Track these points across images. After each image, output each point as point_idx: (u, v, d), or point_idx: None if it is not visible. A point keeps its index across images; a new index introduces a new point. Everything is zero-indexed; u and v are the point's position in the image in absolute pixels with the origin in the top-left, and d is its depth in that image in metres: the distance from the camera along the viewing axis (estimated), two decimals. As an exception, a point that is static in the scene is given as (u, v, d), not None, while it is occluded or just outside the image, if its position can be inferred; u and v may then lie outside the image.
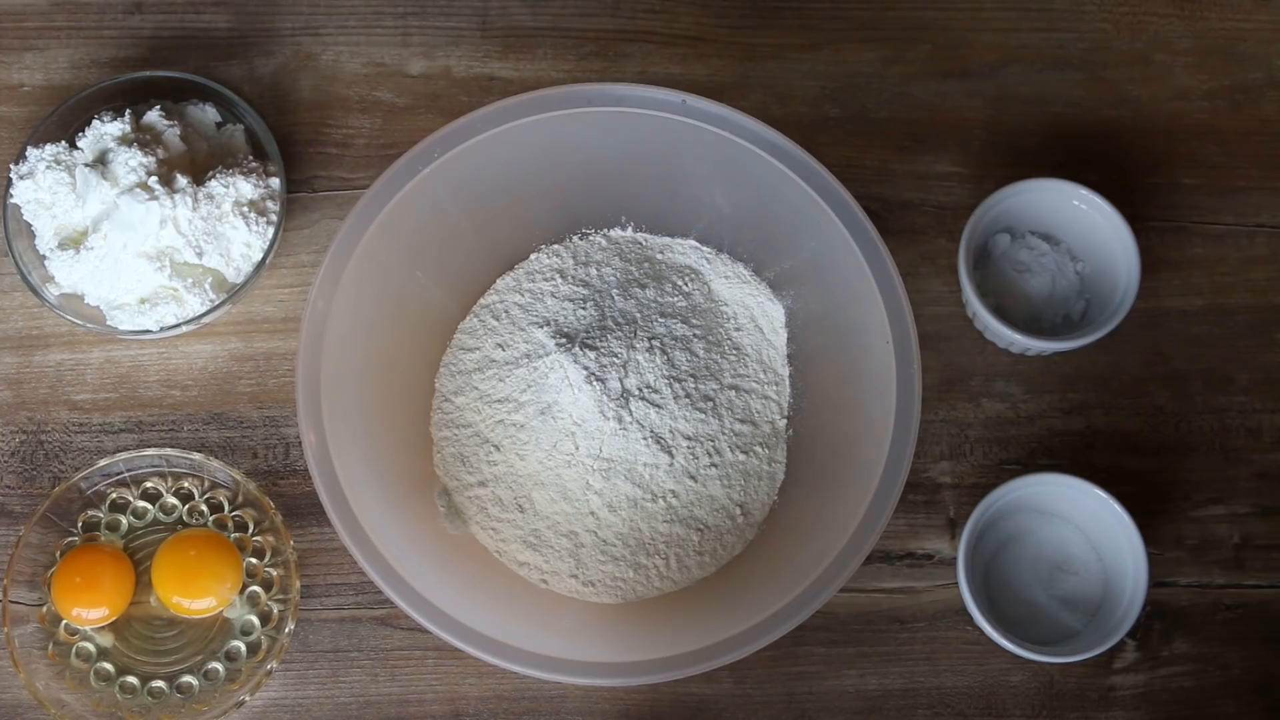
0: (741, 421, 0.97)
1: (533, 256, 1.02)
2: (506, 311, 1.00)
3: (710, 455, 0.96)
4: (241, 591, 0.99)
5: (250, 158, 1.04)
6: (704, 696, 0.99)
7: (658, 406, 0.95)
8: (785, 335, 1.00)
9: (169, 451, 1.00)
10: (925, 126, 1.09)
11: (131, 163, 0.99)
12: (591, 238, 1.03)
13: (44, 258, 1.02)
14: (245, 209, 1.01)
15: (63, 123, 1.03)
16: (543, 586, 0.96)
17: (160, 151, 1.01)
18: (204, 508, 1.01)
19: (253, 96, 1.08)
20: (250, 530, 1.01)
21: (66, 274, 1.01)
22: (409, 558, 0.89)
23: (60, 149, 1.01)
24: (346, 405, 0.92)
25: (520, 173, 0.97)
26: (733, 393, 0.97)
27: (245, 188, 1.01)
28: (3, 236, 1.02)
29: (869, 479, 0.89)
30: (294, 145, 1.08)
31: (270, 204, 1.02)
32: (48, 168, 1.00)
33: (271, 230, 1.02)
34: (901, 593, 1.01)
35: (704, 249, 1.02)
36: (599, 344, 0.96)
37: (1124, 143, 1.09)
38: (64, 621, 0.98)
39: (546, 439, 0.95)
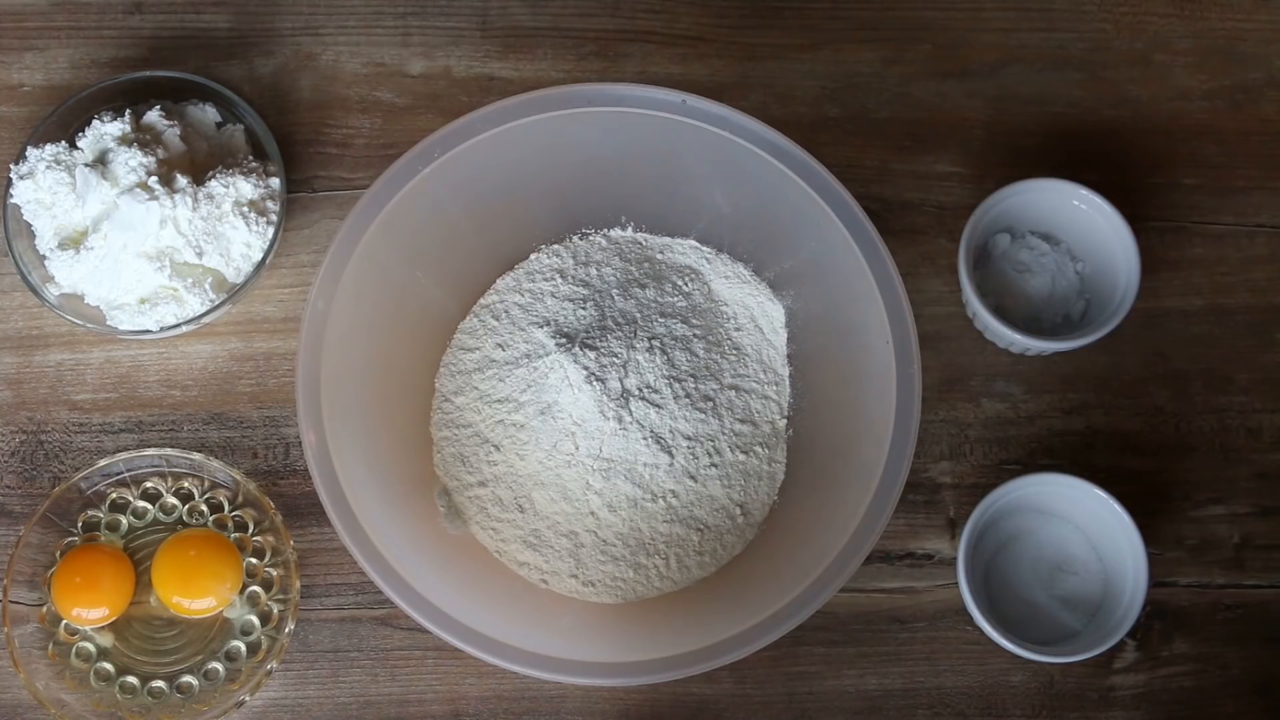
0: (741, 421, 0.97)
1: (533, 256, 1.02)
2: (506, 311, 1.00)
3: (710, 455, 0.96)
4: (241, 591, 0.99)
5: (250, 158, 1.04)
6: (704, 696, 0.99)
7: (658, 406, 0.95)
8: (785, 335, 1.00)
9: (169, 451, 1.00)
10: (925, 126, 1.09)
11: (131, 163, 0.99)
12: (591, 238, 1.03)
13: (44, 258, 1.02)
14: (245, 209, 1.01)
15: (63, 123, 1.03)
16: (543, 586, 0.96)
17: (160, 151, 1.01)
18: (204, 508, 1.01)
19: (253, 96, 1.08)
20: (250, 530, 1.01)
21: (66, 274, 1.01)
22: (409, 558, 0.89)
23: (60, 149, 1.01)
24: (346, 405, 0.92)
25: (520, 173, 0.97)
26: (733, 393, 0.97)
27: (245, 188, 1.01)
28: (3, 236, 1.02)
29: (869, 479, 0.89)
30: (294, 145, 1.08)
31: (270, 204, 1.02)
32: (48, 168, 1.00)
33: (271, 230, 1.02)
34: (901, 593, 1.01)
35: (704, 249, 1.02)
36: (599, 344, 0.96)
37: (1124, 143, 1.09)
38: (64, 621, 0.98)
39: (546, 439, 0.95)
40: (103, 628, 0.98)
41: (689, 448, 0.95)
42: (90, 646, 0.99)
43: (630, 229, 1.03)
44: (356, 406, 0.93)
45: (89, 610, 0.97)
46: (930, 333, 1.04)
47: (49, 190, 1.00)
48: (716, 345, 0.98)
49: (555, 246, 1.02)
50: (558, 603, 0.96)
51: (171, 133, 1.03)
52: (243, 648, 0.99)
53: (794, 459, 0.99)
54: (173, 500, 1.01)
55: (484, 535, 0.97)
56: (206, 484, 1.01)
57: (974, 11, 1.11)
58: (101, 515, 1.01)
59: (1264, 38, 1.11)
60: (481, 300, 1.02)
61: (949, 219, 1.07)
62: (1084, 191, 1.02)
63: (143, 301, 1.01)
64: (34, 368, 1.04)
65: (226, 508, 1.01)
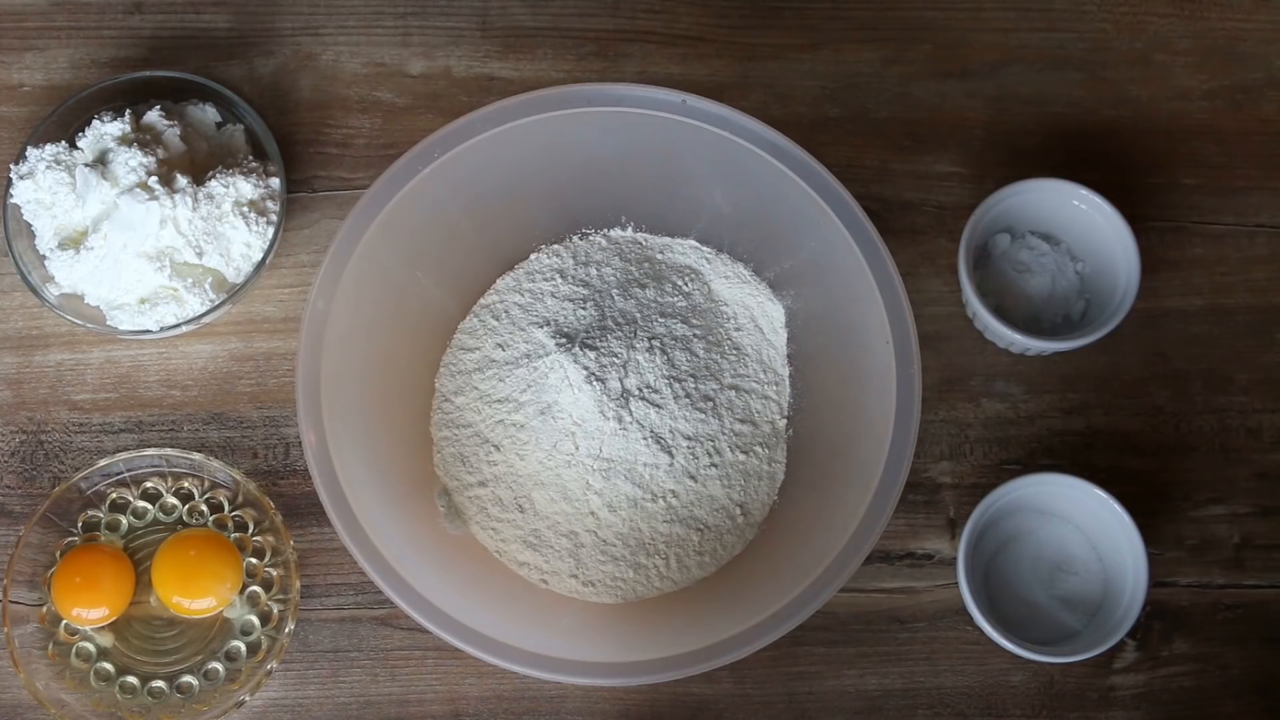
0: (741, 421, 0.97)
1: (533, 256, 1.02)
2: (506, 311, 1.00)
3: (710, 455, 0.96)
4: (241, 591, 0.99)
5: (250, 158, 1.04)
6: (704, 696, 0.99)
7: (658, 406, 0.95)
8: (785, 335, 1.00)
9: (169, 451, 1.00)
10: (925, 126, 1.09)
11: (131, 163, 0.99)
12: (591, 238, 1.03)
13: (44, 258, 1.02)
14: (245, 209, 1.01)
15: (63, 123, 1.03)
16: (543, 586, 0.96)
17: (160, 151, 1.01)
18: (204, 508, 1.01)
19: (253, 96, 1.08)
20: (250, 530, 1.01)
21: (66, 274, 1.01)
22: (409, 558, 0.89)
23: (60, 149, 1.01)
24: (346, 405, 0.92)
25: (520, 173, 0.97)
26: (733, 393, 0.97)
27: (245, 188, 1.01)
28: (3, 236, 1.02)
29: (869, 479, 0.89)
30: (294, 145, 1.08)
31: (270, 204, 1.02)
32: (48, 168, 1.00)
33: (271, 230, 1.02)
34: (901, 593, 1.01)
35: (704, 249, 1.02)
36: (599, 344, 0.96)
37: (1124, 143, 1.09)
38: (64, 621, 0.98)
39: (546, 439, 0.95)
40: (103, 628, 0.98)
41: (689, 448, 0.95)
42: (90, 646, 0.99)
43: (630, 229, 1.03)
44: (356, 406, 0.93)
45: (89, 610, 0.97)
46: (930, 333, 1.04)
47: (49, 190, 1.00)
48: (716, 345, 0.98)
49: (555, 246, 1.02)
50: (558, 603, 0.96)
51: (171, 133, 1.03)
52: (243, 648, 0.99)
53: (794, 459, 0.99)
54: (173, 500, 1.01)
55: (484, 535, 0.97)
56: (206, 484, 1.01)
57: (974, 11, 1.11)
58: (101, 515, 1.01)
59: (1264, 38, 1.11)
60: (481, 300, 1.02)
61: (949, 219, 1.07)
62: (1084, 191, 1.02)
63: (143, 301, 1.01)
64: (34, 368, 1.04)
65: (226, 508, 1.01)
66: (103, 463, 0.99)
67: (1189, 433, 1.04)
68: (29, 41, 1.10)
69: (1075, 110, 1.09)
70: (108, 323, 1.01)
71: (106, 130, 1.02)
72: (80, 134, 1.03)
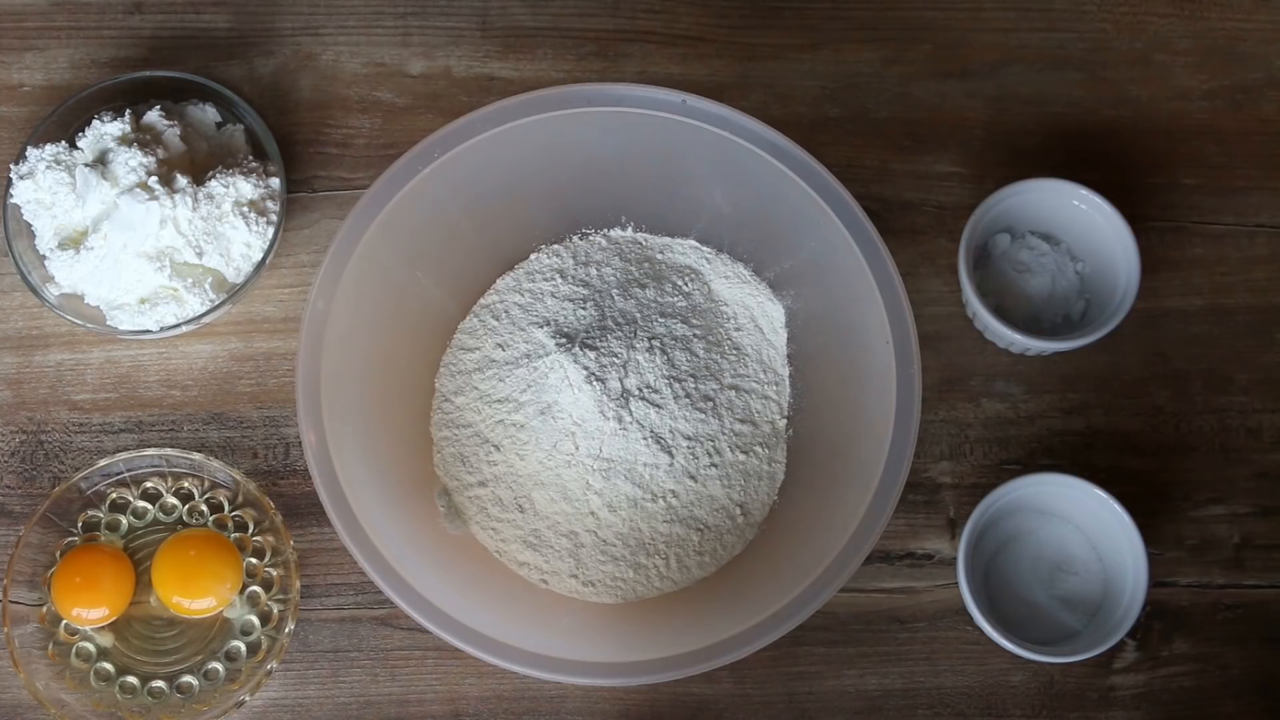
0: (741, 421, 0.97)
1: (533, 256, 1.02)
2: (506, 311, 1.00)
3: (710, 455, 0.96)
4: (241, 591, 0.99)
5: (250, 158, 1.04)
6: (704, 696, 0.99)
7: (658, 406, 0.95)
8: (785, 335, 1.00)
9: (169, 451, 1.00)
10: (925, 126, 1.09)
11: (131, 163, 0.99)
12: (591, 238, 1.03)
13: (44, 258, 1.02)
14: (245, 209, 1.01)
15: (63, 123, 1.03)
16: (543, 586, 0.96)
17: (160, 151, 1.01)
18: (204, 508, 1.01)
19: (253, 96, 1.08)
20: (250, 530, 1.01)
21: (66, 274, 1.01)
22: (409, 558, 0.89)
23: (60, 149, 1.01)
24: (346, 405, 0.92)
25: (520, 173, 0.97)
26: (733, 393, 0.97)
27: (245, 188, 1.01)
28: (3, 236, 1.02)
29: (869, 479, 0.89)
30: (294, 145, 1.08)
31: (270, 204, 1.02)
32: (48, 168, 1.00)
33: (271, 230, 1.02)
34: (901, 593, 1.01)
35: (704, 249, 1.02)
36: (599, 344, 0.96)
37: (1124, 143, 1.09)
38: (64, 621, 0.98)
39: (546, 439, 0.95)
40: (103, 628, 0.98)
41: (689, 448, 0.95)
42: (90, 646, 0.99)
43: (630, 229, 1.03)
44: (356, 406, 0.93)
45: (89, 610, 0.97)
46: (930, 333, 1.04)
47: (49, 190, 1.00)
48: (716, 345, 0.98)
49: (555, 246, 1.02)
50: (558, 603, 0.96)
51: (171, 133, 1.03)
52: (243, 648, 0.99)
53: (794, 459, 0.99)
54: (173, 500, 1.01)
55: (484, 535, 0.97)
56: (206, 484, 1.01)
57: (974, 11, 1.11)
58: (101, 515, 1.01)
59: (1264, 38, 1.11)
60: (481, 300, 1.02)
61: (949, 219, 1.07)
62: (1084, 191, 1.02)
63: (143, 301, 1.01)
64: (34, 368, 1.04)
65: (226, 508, 1.01)
66: (103, 463, 0.99)
67: (1189, 433, 1.04)
68: (29, 41, 1.10)
69: (1075, 110, 1.09)
70: (108, 323, 1.01)
71: (106, 130, 1.02)
72: (80, 134, 1.03)
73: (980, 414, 1.04)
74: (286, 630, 0.97)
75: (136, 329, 1.01)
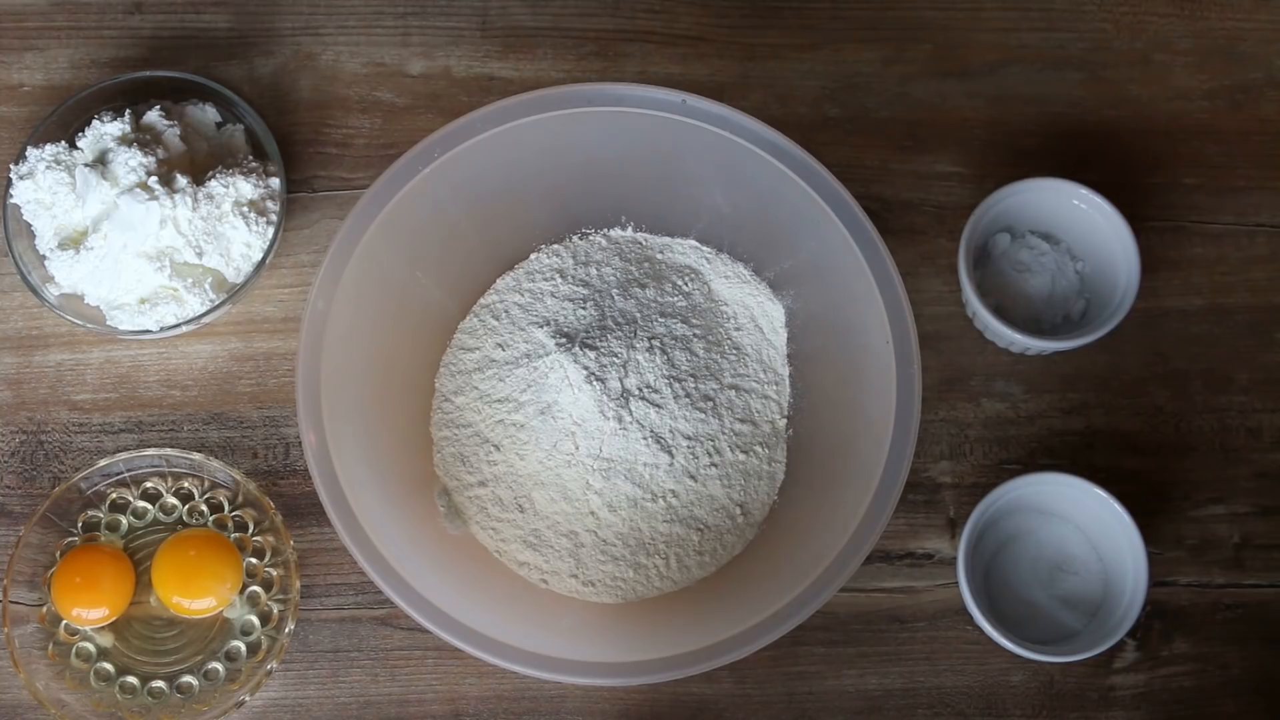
0: (741, 421, 0.97)
1: (533, 256, 1.02)
2: (506, 311, 1.00)
3: (710, 455, 0.96)
4: (241, 591, 0.99)
5: (250, 158, 1.04)
6: (704, 696, 0.99)
7: (658, 406, 0.95)
8: (785, 335, 1.00)
9: (169, 451, 1.00)
10: (925, 126, 1.09)
11: (131, 163, 0.99)
12: (591, 238, 1.03)
13: (44, 258, 1.02)
14: (245, 209, 1.01)
15: (63, 123, 1.03)
16: (543, 586, 0.96)
17: (160, 151, 1.01)
18: (204, 508, 1.01)
19: (253, 96, 1.08)
20: (250, 530, 1.01)
21: (66, 274, 1.01)
22: (409, 558, 0.89)
23: (60, 149, 1.01)
24: (346, 405, 0.92)
25: (520, 173, 0.97)
26: (733, 392, 0.97)
27: (245, 188, 1.01)
28: (3, 236, 1.02)
29: (869, 479, 0.89)
30: (294, 145, 1.08)
31: (270, 204, 1.02)
32: (48, 168, 1.00)
33: (271, 230, 1.02)
34: (901, 593, 1.01)
35: (704, 249, 1.02)
36: (599, 344, 0.96)
37: (1124, 143, 1.09)
38: (64, 621, 0.98)
39: (546, 439, 0.95)
40: (103, 628, 0.98)
41: (689, 447, 0.95)
42: (90, 646, 0.99)
43: (630, 229, 1.03)
44: (356, 406, 0.93)
45: (89, 610, 0.97)
46: (930, 333, 1.04)
47: (49, 190, 1.00)
48: (716, 345, 0.98)
49: (555, 246, 1.02)
50: (558, 603, 0.96)
51: (171, 133, 1.03)
52: (243, 648, 0.99)
53: (794, 459, 0.99)
54: (173, 500, 1.01)
55: (484, 535, 0.97)
56: (206, 484, 1.01)
57: (974, 11, 1.11)
58: (101, 515, 1.01)
59: (1264, 38, 1.11)
60: (481, 300, 1.02)
61: (949, 219, 1.07)
62: (1084, 191, 1.02)
63: (143, 301, 1.01)
64: (34, 368, 1.04)
65: (226, 508, 1.01)
66: (103, 463, 0.99)
67: (1189, 433, 1.04)
68: (29, 41, 1.10)
69: (1075, 110, 1.09)
70: (108, 323, 1.01)
71: (106, 130, 1.02)
72: (80, 134, 1.03)
73: (980, 414, 1.04)
74: (286, 630, 0.97)
75: (136, 329, 1.01)
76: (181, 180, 1.00)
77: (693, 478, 0.95)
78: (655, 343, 0.96)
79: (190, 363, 1.04)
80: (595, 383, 0.94)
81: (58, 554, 0.99)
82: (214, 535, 0.99)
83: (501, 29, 1.10)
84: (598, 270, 1.00)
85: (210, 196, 1.01)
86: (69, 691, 0.96)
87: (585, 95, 0.94)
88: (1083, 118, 1.09)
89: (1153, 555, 0.96)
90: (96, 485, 1.00)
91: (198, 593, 0.97)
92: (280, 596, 0.99)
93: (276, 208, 1.02)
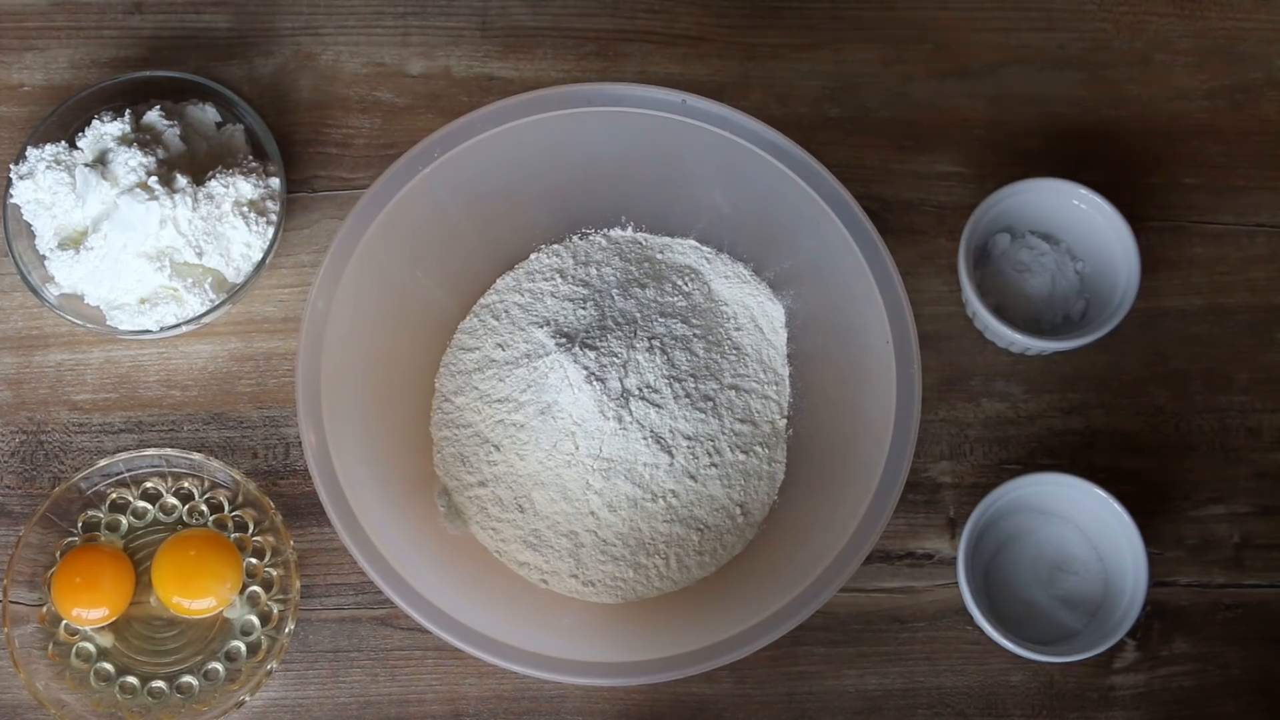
0: (741, 421, 0.97)
1: (533, 256, 1.02)
2: (506, 311, 1.00)
3: (710, 455, 0.96)
4: (241, 591, 0.99)
5: (250, 158, 1.04)
6: (704, 696, 0.99)
7: (658, 406, 0.95)
8: (785, 335, 1.00)
9: (169, 451, 1.00)
10: (925, 126, 1.09)
11: (131, 163, 0.99)
12: (591, 238, 1.03)
13: (44, 258, 1.02)
14: (245, 209, 1.01)
15: (63, 123, 1.03)
16: (543, 586, 0.96)
17: (160, 151, 1.01)
18: (204, 508, 1.01)
19: (253, 96, 1.08)
20: (250, 530, 1.01)
21: (66, 274, 1.01)
22: (409, 558, 0.89)
23: (60, 149, 1.01)
24: (346, 405, 0.92)
25: (520, 173, 0.97)
26: (733, 392, 0.97)
27: (245, 188, 1.01)
28: (3, 236, 1.02)
29: (869, 479, 0.89)
30: (294, 145, 1.08)
31: (270, 204, 1.02)
32: (48, 168, 1.00)
33: (271, 230, 1.02)
34: (901, 593, 1.01)
35: (704, 249, 1.02)
36: (599, 344, 0.96)
37: (1124, 143, 1.09)
38: (64, 621, 0.98)
39: (546, 439, 0.95)
40: (103, 628, 0.98)
41: (689, 447, 0.95)
42: (90, 646, 0.99)
43: (630, 229, 1.03)
44: (356, 406, 0.93)
45: (89, 610, 0.97)
46: (930, 333, 1.04)
47: (49, 190, 1.00)
48: (716, 345, 0.98)
49: (555, 246, 1.02)
50: (558, 603, 0.96)
51: (171, 133, 1.03)
52: (243, 648, 0.99)
53: (794, 459, 0.99)
54: (173, 500, 1.01)
55: (484, 535, 0.97)
56: (206, 484, 1.01)
57: (974, 11, 1.11)
58: (101, 515, 1.01)
59: (1264, 38, 1.11)
60: (481, 300, 1.02)
61: (949, 219, 1.07)
62: (1084, 191, 1.02)
63: (143, 301, 1.01)
64: (34, 368, 1.04)
65: (226, 508, 1.01)
66: (103, 463, 0.99)
67: (1189, 432, 1.04)
68: (29, 41, 1.10)
69: (1075, 110, 1.09)
70: (108, 323, 1.01)
71: (106, 130, 1.02)
72: (80, 134, 1.03)
73: (980, 414, 1.04)
74: (286, 630, 0.97)
75: (136, 329, 1.01)
76: (181, 180, 1.00)
77: (693, 478, 0.95)
78: (655, 343, 0.96)
79: (190, 363, 1.04)
80: (595, 383, 0.94)
81: (58, 554, 0.99)
82: (214, 535, 0.99)
83: (501, 29, 1.10)
84: (598, 270, 1.00)
85: (210, 196, 1.01)
86: (69, 691, 0.96)
87: (585, 95, 0.94)
88: (1083, 118, 1.09)
89: (1153, 555, 0.96)
90: (96, 485, 1.00)
91: (198, 593, 0.97)
92: (280, 596, 0.99)
93: (276, 208, 1.02)
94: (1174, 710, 0.99)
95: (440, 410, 0.99)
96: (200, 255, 1.01)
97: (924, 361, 0.91)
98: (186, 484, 1.01)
